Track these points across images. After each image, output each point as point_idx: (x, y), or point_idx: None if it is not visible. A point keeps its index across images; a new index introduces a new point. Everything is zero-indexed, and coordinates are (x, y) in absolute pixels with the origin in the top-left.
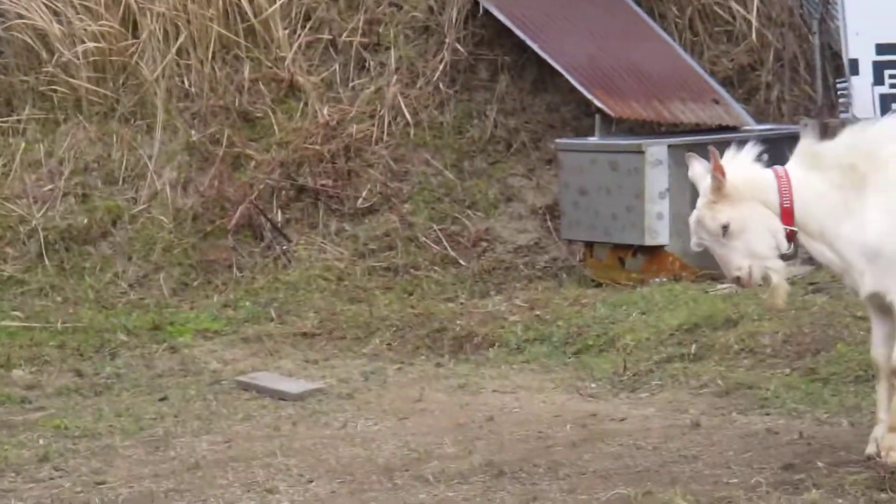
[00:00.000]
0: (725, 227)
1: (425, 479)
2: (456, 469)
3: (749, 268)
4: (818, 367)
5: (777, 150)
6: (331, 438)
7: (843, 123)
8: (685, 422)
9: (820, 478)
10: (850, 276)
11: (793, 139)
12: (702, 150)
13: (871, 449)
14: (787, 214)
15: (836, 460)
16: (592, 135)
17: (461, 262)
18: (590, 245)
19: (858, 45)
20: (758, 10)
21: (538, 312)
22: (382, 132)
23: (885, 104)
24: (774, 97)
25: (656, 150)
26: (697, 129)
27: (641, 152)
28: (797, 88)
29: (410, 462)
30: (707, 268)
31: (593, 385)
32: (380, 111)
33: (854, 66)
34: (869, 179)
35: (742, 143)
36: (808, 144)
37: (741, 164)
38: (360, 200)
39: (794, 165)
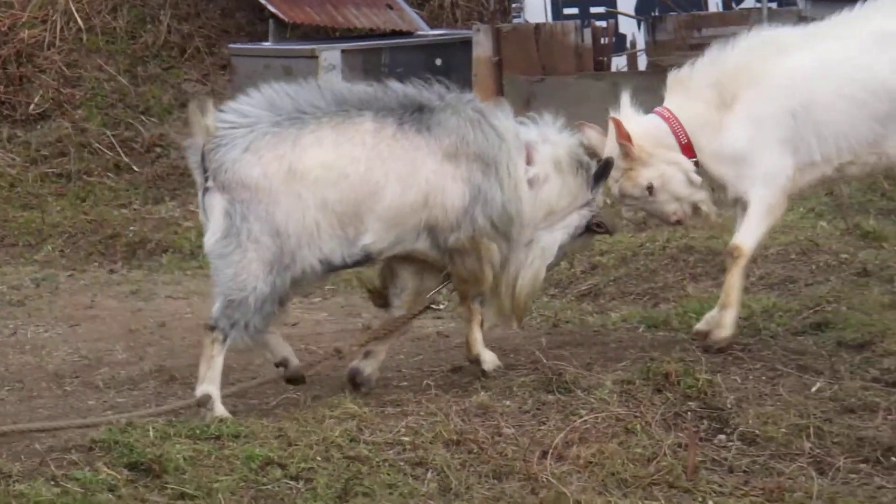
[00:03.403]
0: (650, 189)
1: (95, 385)
2: (126, 375)
3: (681, 209)
4: None
5: (450, 55)
6: (0, 346)
7: (516, 28)
8: (357, 325)
9: (489, 380)
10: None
11: (465, 44)
12: (375, 55)
13: (700, 326)
14: (687, 149)
15: (506, 363)
16: (267, 40)
17: (135, 168)
18: None
19: None
20: None
21: None
22: (55, 37)
23: (556, 9)
24: (448, 2)
25: (330, 55)
26: (371, 34)
27: (315, 57)
28: None
29: (81, 368)
30: None
31: None
32: (52, 16)
33: None
34: (738, 96)
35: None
36: (674, 76)
37: (632, 120)
38: (31, 106)
39: (672, 99)
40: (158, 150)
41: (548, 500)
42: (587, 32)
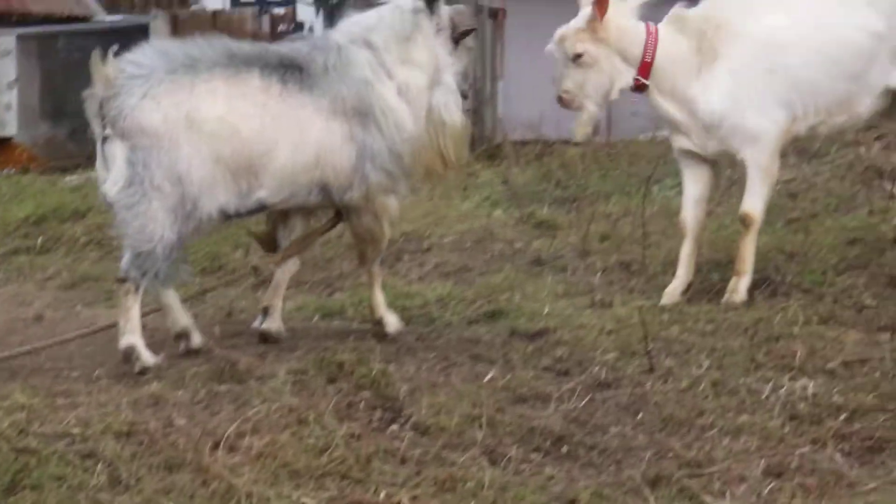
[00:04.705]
0: (578, 56)
1: None
2: None
3: (575, 98)
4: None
5: (127, 41)
6: None
7: (194, 15)
8: (29, 315)
9: (161, 370)
10: (694, 135)
11: (143, 30)
12: (51, 40)
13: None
14: (645, 68)
15: (178, 353)
16: None
17: None
18: None
19: None
20: None
21: None
22: None
23: None
24: None
25: (4, 40)
26: (49, 20)
27: None
28: None
29: None
30: (57, 158)
31: None
32: None
33: None
34: (720, 50)
35: None
36: (679, 9)
37: (623, 12)
38: None
39: (665, 26)
40: None
41: (219, 492)
42: (265, 20)
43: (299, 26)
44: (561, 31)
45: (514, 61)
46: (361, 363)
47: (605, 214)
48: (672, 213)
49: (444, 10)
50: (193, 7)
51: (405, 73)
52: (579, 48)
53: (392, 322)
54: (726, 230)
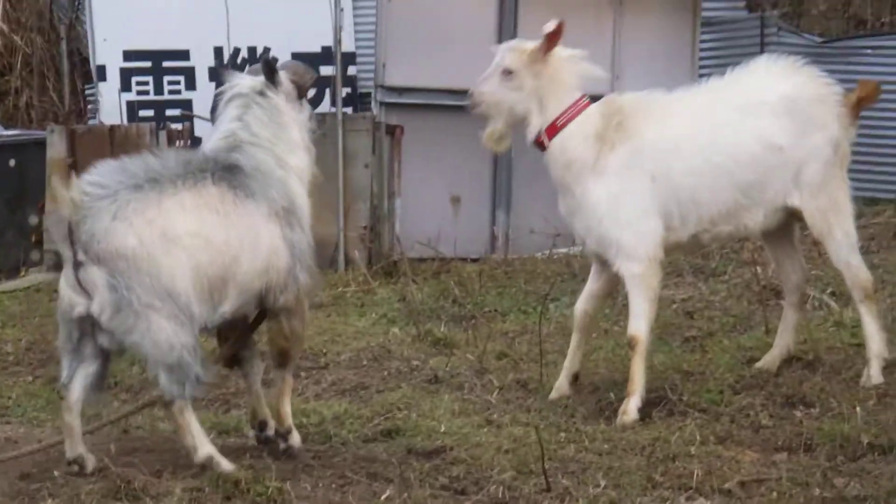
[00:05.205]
0: (508, 72)
1: None
2: None
3: (483, 105)
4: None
5: (24, 156)
6: None
7: (91, 129)
8: None
9: (56, 488)
10: (577, 222)
11: (40, 145)
12: None
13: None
14: (552, 130)
15: (74, 471)
16: None
17: None
18: None
19: (106, 51)
20: (6, 13)
21: None
22: None
23: (132, 111)
24: (23, 102)
25: None
26: None
27: None
28: (46, 94)
29: None
30: None
31: None
32: None
33: (102, 72)
34: (616, 146)
35: None
36: (618, 95)
37: (571, 67)
38: None
39: (596, 105)
40: None
41: None
42: (162, 135)
43: (197, 141)
44: (516, 41)
45: (411, 178)
46: (258, 481)
47: (503, 332)
48: (570, 331)
49: (283, 76)
50: (91, 121)
51: (296, 160)
52: (513, 65)
53: (295, 436)
54: (623, 349)
